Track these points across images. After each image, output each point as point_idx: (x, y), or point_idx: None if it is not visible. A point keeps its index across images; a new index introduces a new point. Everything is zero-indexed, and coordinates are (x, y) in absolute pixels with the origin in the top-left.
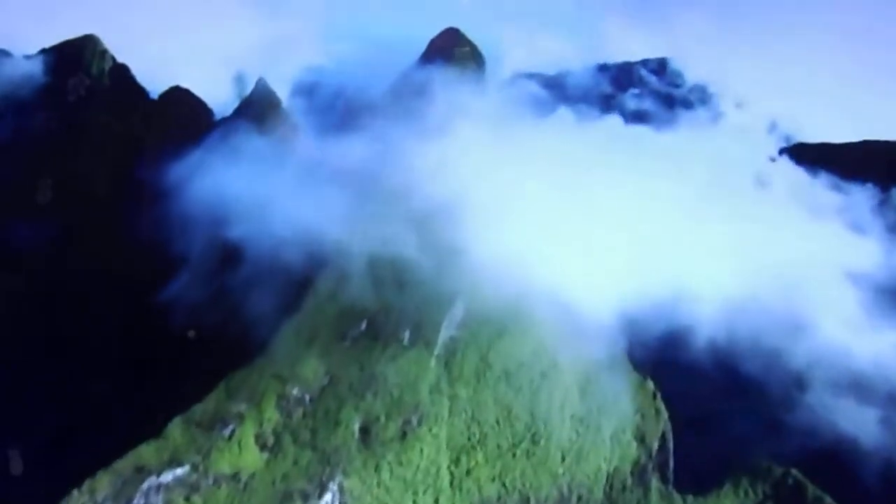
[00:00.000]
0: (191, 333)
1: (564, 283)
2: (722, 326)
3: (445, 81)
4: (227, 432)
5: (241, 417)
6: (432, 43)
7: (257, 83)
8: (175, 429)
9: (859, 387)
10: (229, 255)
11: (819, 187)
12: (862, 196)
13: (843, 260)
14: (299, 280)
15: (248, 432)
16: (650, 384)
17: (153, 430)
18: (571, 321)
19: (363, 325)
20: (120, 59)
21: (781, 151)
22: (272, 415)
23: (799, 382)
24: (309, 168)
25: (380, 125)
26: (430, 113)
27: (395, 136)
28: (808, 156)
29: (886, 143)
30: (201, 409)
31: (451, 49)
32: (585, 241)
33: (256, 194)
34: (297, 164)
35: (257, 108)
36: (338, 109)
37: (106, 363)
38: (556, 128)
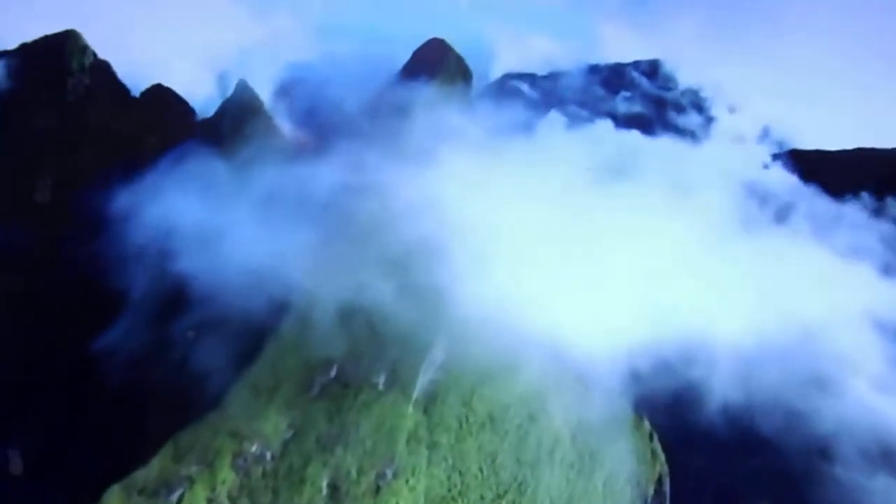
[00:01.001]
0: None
1: (557, 329)
2: (736, 383)
3: (428, 100)
4: (174, 498)
5: (190, 481)
6: (416, 54)
7: (237, 85)
8: (113, 497)
9: (893, 460)
10: (178, 297)
11: (843, 223)
12: (855, 208)
13: (869, 305)
14: (258, 326)
15: (199, 497)
16: (646, 424)
17: (87, 498)
18: (565, 372)
19: (333, 372)
20: (101, 55)
21: (775, 157)
22: (227, 476)
23: (823, 452)
24: (272, 197)
25: (354, 149)
26: (411, 136)
27: (371, 163)
28: (803, 163)
29: (882, 150)
30: (144, 475)
31: (436, 62)
32: (581, 280)
33: (211, 226)
34: (258, 192)
35: (237, 111)
36: (309, 128)
37: (30, 422)
38: (546, 143)
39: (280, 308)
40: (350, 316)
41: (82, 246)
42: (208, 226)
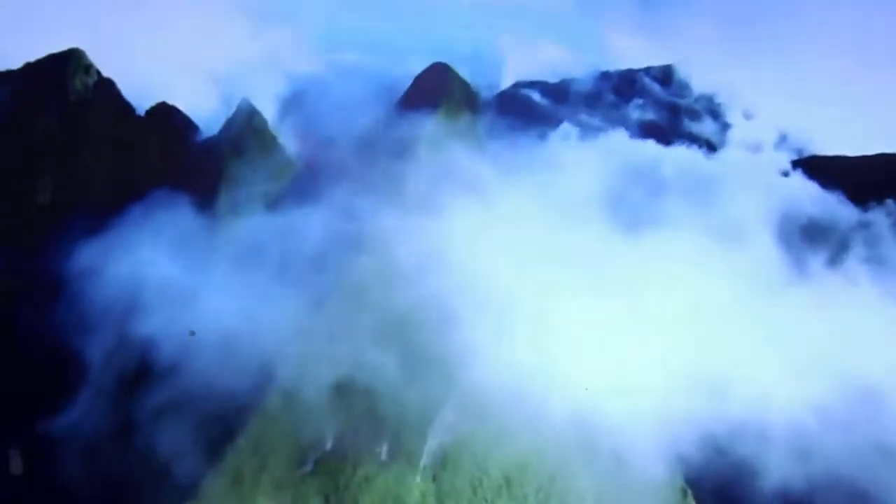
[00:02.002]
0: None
1: (583, 394)
2: (794, 459)
3: (432, 135)
4: None
5: None
6: (417, 81)
7: (240, 103)
8: None
9: None
10: (145, 371)
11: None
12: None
13: None
14: (239, 402)
15: None
16: (679, 479)
17: None
18: (590, 434)
19: (328, 444)
20: (106, 73)
21: (795, 165)
22: None
23: None
24: (255, 249)
25: (348, 193)
26: (413, 179)
27: (367, 210)
28: (824, 170)
29: None
30: None
31: (439, 90)
32: (610, 339)
33: (184, 284)
34: (239, 244)
35: (239, 131)
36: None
37: None
38: (561, 168)
39: (264, 381)
40: (347, 386)
41: (39, 303)
42: (181, 284)
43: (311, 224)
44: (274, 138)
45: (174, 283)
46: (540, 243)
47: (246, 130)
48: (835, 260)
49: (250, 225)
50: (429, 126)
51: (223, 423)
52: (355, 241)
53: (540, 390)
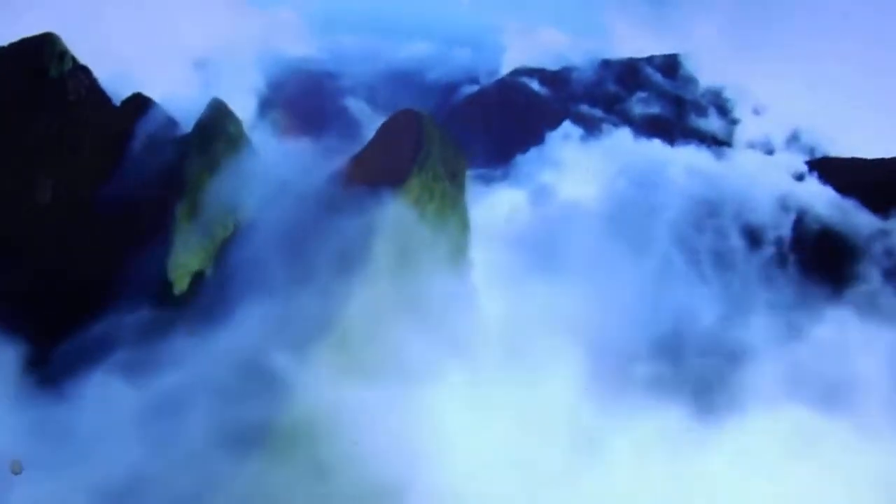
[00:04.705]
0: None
1: None
2: None
3: (393, 231)
4: None
5: None
6: (379, 136)
7: (210, 104)
8: None
9: None
10: None
11: None
12: None
13: None
14: None
15: None
16: None
17: None
18: None
19: None
20: (83, 59)
21: (811, 167)
22: None
23: None
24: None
25: (256, 339)
26: (359, 315)
27: (284, 372)
28: (839, 173)
29: None
30: None
31: (406, 155)
32: None
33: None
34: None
35: (208, 136)
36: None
37: None
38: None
39: None
40: None
41: None
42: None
43: (193, 401)
44: (247, 141)
45: None
46: (555, 431)
47: (216, 135)
48: None
49: (99, 396)
50: (390, 212)
51: None
52: (260, 433)
53: None
